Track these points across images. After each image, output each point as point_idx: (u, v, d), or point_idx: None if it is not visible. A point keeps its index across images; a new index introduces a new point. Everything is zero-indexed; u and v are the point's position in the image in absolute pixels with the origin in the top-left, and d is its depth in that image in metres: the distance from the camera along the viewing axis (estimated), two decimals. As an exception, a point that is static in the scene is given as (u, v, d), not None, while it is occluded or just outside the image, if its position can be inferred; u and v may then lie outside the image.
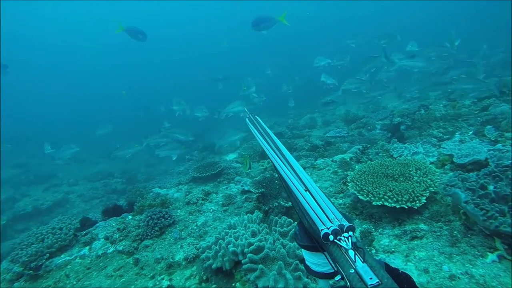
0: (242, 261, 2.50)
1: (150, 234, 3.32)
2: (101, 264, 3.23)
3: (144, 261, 3.07)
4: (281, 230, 2.78)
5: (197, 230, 3.38)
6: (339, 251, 0.66)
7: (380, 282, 0.56)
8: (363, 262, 0.61)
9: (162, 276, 2.83)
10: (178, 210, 3.84)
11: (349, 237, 0.68)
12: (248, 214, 3.08)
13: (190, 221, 3.57)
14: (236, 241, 2.67)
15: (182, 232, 3.37)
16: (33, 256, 3.29)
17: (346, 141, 6.75)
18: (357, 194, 3.05)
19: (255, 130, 1.19)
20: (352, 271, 0.60)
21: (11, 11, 27.75)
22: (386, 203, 2.81)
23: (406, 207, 2.72)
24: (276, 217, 2.93)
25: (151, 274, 2.90)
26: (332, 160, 4.49)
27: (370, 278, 0.57)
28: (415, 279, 2.10)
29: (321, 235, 0.68)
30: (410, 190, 2.84)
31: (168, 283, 2.76)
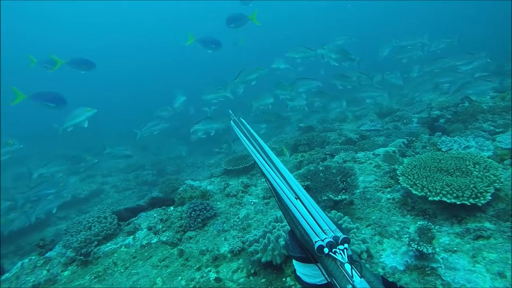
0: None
1: (193, 225, 3.29)
2: (145, 254, 3.24)
3: (189, 252, 3.05)
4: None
5: (239, 222, 3.32)
6: (334, 265, 0.61)
7: None
8: (360, 277, 0.57)
9: (209, 268, 2.79)
10: (218, 202, 3.79)
11: (345, 250, 0.63)
12: (293, 208, 2.97)
13: (232, 214, 3.52)
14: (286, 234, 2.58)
15: (224, 225, 3.32)
16: (82, 242, 3.36)
17: (381, 134, 6.48)
18: (410, 188, 2.87)
19: (241, 133, 1.11)
20: (350, 287, 0.56)
21: (11, 11, 28.13)
22: (444, 199, 2.61)
23: (469, 204, 2.51)
24: (325, 211, 2.81)
25: (197, 266, 2.87)
26: (373, 154, 4.29)
27: None
28: (487, 284, 1.95)
29: (315, 247, 0.64)
30: (471, 186, 2.62)
31: (215, 275, 2.71)
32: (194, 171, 8.20)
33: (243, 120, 1.14)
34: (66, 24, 34.08)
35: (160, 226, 3.43)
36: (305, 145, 6.54)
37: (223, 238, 3.14)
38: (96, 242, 3.41)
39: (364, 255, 2.37)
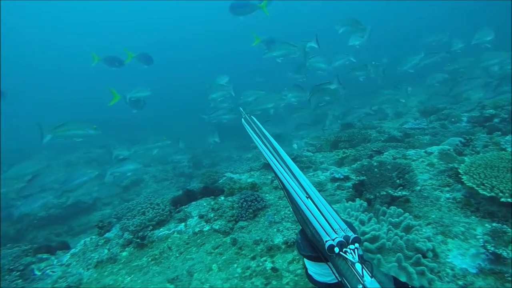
0: (356, 250, 2.37)
1: (244, 215, 3.34)
2: (198, 241, 3.34)
3: (242, 241, 3.09)
4: (392, 220, 2.58)
5: (291, 215, 3.31)
6: (345, 264, 0.61)
7: None
8: (371, 277, 0.56)
9: (264, 258, 2.82)
10: (267, 195, 3.82)
11: (356, 249, 0.63)
12: (349, 202, 2.92)
13: (282, 206, 3.52)
14: (345, 228, 2.54)
15: (275, 216, 3.33)
16: (138, 226, 3.52)
17: (426, 133, 6.20)
18: (477, 188, 2.71)
19: (252, 131, 1.08)
20: (360, 286, 0.55)
21: (11, 11, 28.78)
22: (519, 201, 2.45)
23: (549, 207, 2.33)
24: (383, 207, 2.73)
25: (252, 255, 2.91)
26: (425, 152, 4.11)
27: None
28: None
29: (326, 247, 0.63)
30: (550, 188, 2.43)
31: (271, 265, 2.73)
32: (231, 164, 8.31)
33: (254, 118, 1.13)
34: (66, 25, 35.03)
35: (212, 215, 3.51)
36: (346, 142, 6.41)
37: (275, 230, 3.16)
38: (151, 227, 3.56)
39: (430, 254, 2.28)
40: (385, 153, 4.32)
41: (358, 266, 0.60)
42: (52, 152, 10.95)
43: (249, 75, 12.52)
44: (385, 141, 5.90)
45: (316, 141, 7.26)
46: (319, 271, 0.75)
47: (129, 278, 3.08)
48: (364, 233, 2.40)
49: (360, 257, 0.62)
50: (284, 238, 2.94)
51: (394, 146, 4.73)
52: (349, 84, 7.17)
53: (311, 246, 0.74)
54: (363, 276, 0.58)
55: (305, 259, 0.77)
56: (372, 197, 2.94)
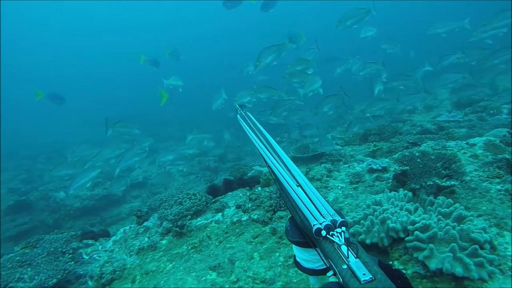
0: (406, 239, 2.30)
1: (283, 206, 3.32)
2: (237, 230, 3.36)
3: (282, 231, 3.08)
4: (442, 210, 2.48)
5: (329, 205, 3.27)
6: (331, 247, 0.62)
7: (373, 278, 0.54)
8: (356, 258, 0.58)
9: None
10: (303, 185, 3.79)
11: (342, 233, 0.64)
12: (393, 192, 2.84)
13: (319, 197, 3.48)
14: (392, 216, 2.47)
15: (313, 207, 3.30)
16: (177, 215, 3.59)
17: (462, 126, 5.94)
18: (534, 179, 2.57)
19: (247, 126, 1.11)
20: (345, 266, 0.57)
21: (11, 11, 29.05)
22: None
23: None
24: (430, 197, 2.64)
25: (293, 244, 2.89)
26: (467, 143, 3.93)
27: (364, 274, 0.54)
28: None
29: (314, 230, 0.65)
30: None
31: (314, 253, 2.71)
32: (256, 159, 8.32)
33: (249, 114, 1.16)
34: (67, 25, 35.50)
35: (249, 205, 3.52)
36: (376, 135, 6.27)
37: (314, 220, 3.12)
38: (189, 216, 3.62)
39: (487, 246, 2.18)
40: (423, 145, 4.17)
41: (344, 248, 0.61)
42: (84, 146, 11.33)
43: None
44: (418, 134, 5.71)
45: (343, 135, 7.14)
46: (307, 258, 0.76)
47: (170, 265, 3.14)
48: (414, 222, 2.33)
49: (346, 239, 0.63)
50: (326, 228, 2.90)
51: (431, 138, 4.56)
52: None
53: (300, 232, 0.75)
54: (348, 257, 0.59)
55: (293, 246, 0.78)
56: (417, 187, 2.84)
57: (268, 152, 0.94)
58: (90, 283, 3.04)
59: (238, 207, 3.61)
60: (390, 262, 2.40)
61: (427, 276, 2.14)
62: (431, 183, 2.76)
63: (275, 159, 0.90)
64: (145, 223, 3.89)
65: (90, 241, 3.64)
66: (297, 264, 0.81)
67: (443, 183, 2.72)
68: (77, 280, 3.09)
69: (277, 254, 2.83)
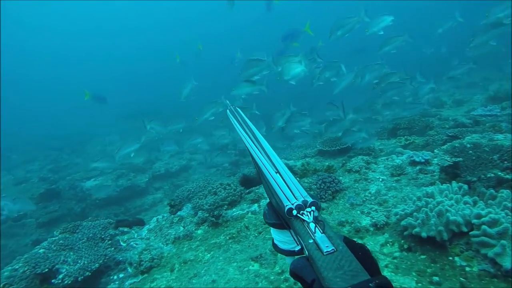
0: (471, 233, 2.13)
1: (324, 197, 3.18)
2: (275, 221, 3.23)
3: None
4: (509, 205, 2.29)
5: (372, 198, 3.11)
6: (301, 225, 0.66)
7: (335, 249, 0.57)
8: (322, 233, 0.62)
9: (355, 239, 2.64)
10: (341, 177, 3.63)
11: (312, 212, 0.68)
12: (445, 184, 2.66)
13: (360, 189, 3.32)
14: (451, 209, 2.29)
15: (356, 198, 3.14)
16: (212, 205, 3.50)
17: (500, 120, 5.62)
18: None
19: (234, 119, 1.14)
20: (311, 241, 0.61)
21: (11, 11, 28.96)
22: None
23: None
24: (490, 190, 2.44)
25: (338, 236, 2.75)
26: (516, 136, 3.68)
27: (326, 246, 0.58)
28: None
29: (285, 210, 0.68)
30: None
31: (363, 246, 2.56)
32: (279, 152, 8.18)
33: (238, 110, 1.20)
34: (67, 24, 35.61)
35: (288, 195, 3.39)
36: (405, 129, 6.01)
37: (359, 212, 2.97)
38: (225, 206, 3.52)
39: None
40: (466, 138, 3.93)
41: (312, 225, 0.64)
42: (115, 137, 11.44)
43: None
44: (452, 128, 5.45)
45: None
46: (283, 239, 0.78)
47: (209, 254, 3.06)
48: (479, 216, 2.15)
49: (314, 218, 0.66)
50: (373, 220, 2.75)
51: (473, 131, 4.31)
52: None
53: (276, 215, 0.78)
54: (315, 233, 0.62)
55: (271, 228, 0.81)
56: (474, 179, 2.65)
57: (253, 143, 0.97)
58: (129, 269, 2.99)
59: (274, 198, 3.48)
60: (451, 258, 2.23)
61: (498, 275, 1.96)
62: (492, 175, 2.56)
63: (258, 149, 0.93)
64: (178, 213, 3.82)
65: (125, 229, 3.60)
66: (274, 246, 0.83)
67: (506, 176, 2.52)
68: (117, 266, 3.04)
69: (322, 246, 2.70)
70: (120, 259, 3.05)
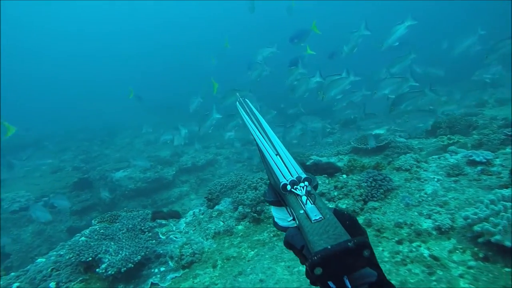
0: None
1: (376, 195, 2.92)
2: (320, 219, 3.00)
3: (379, 223, 2.69)
4: None
5: (430, 199, 2.82)
6: (294, 199, 0.69)
7: (323, 218, 0.60)
8: (312, 204, 0.65)
9: (418, 243, 2.38)
10: (390, 175, 3.34)
11: (305, 186, 0.70)
12: (523, 188, 2.34)
13: (413, 188, 3.03)
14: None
15: (411, 198, 2.85)
16: (253, 200, 3.31)
17: (556, 120, 5.13)
18: None
19: (242, 110, 1.14)
20: (302, 211, 0.64)
21: (12, 10, 28.65)
22: None
23: None
24: None
25: (397, 239, 2.49)
26: None
27: (315, 215, 0.61)
28: None
29: (280, 186, 0.70)
30: None
31: (428, 252, 2.29)
32: (309, 148, 7.91)
33: (247, 100, 1.18)
34: (67, 24, 35.38)
35: (335, 193, 3.15)
36: (446, 128, 5.63)
37: (416, 213, 2.69)
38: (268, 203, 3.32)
39: None
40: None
41: (304, 198, 0.67)
42: (135, 131, 11.56)
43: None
44: (500, 127, 5.01)
45: (403, 127, 6.54)
46: (281, 216, 0.80)
47: (252, 252, 2.87)
48: None
49: (307, 192, 0.68)
50: (436, 223, 2.47)
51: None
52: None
53: (274, 193, 0.80)
54: (306, 204, 0.64)
55: (271, 206, 0.82)
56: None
57: (256, 129, 0.97)
58: (171, 263, 2.85)
59: (321, 194, 3.25)
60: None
61: None
62: None
63: (261, 134, 0.93)
64: (216, 207, 3.65)
65: (163, 221, 3.47)
66: (275, 224, 0.84)
67: None
68: (157, 259, 2.91)
69: (380, 248, 2.45)
70: (161, 252, 2.91)
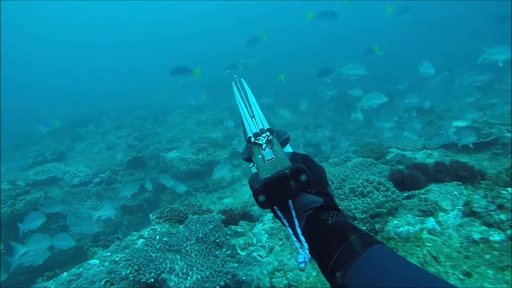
0: None
1: None
2: (486, 256, 1.87)
3: None
4: None
5: None
6: (257, 148, 0.70)
7: (275, 157, 0.63)
8: (269, 149, 0.67)
9: None
10: None
11: (266, 136, 0.72)
12: None
13: None
14: None
15: None
16: (365, 212, 2.25)
17: None
18: None
19: (235, 88, 1.06)
20: (260, 156, 0.67)
21: (12, 10, 27.56)
22: None
23: None
24: None
25: None
26: None
27: (269, 156, 0.65)
28: None
29: (247, 140, 0.73)
30: None
31: None
32: (386, 140, 6.58)
33: (242, 79, 1.08)
34: (67, 24, 34.08)
35: (503, 217, 1.97)
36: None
37: None
38: (386, 217, 2.25)
39: None
40: None
41: (264, 145, 0.69)
42: (185, 110, 11.03)
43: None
44: None
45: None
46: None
47: None
48: None
49: (267, 140, 0.70)
50: None
51: None
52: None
53: (248, 151, 0.80)
54: (264, 150, 0.67)
55: (250, 166, 0.81)
56: None
57: (241, 100, 0.94)
58: (258, 298, 1.95)
59: (468, 214, 2.09)
60: None
61: None
62: None
63: (244, 103, 0.91)
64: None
65: (238, 228, 2.57)
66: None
67: None
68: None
69: None
70: (244, 278, 2.02)
